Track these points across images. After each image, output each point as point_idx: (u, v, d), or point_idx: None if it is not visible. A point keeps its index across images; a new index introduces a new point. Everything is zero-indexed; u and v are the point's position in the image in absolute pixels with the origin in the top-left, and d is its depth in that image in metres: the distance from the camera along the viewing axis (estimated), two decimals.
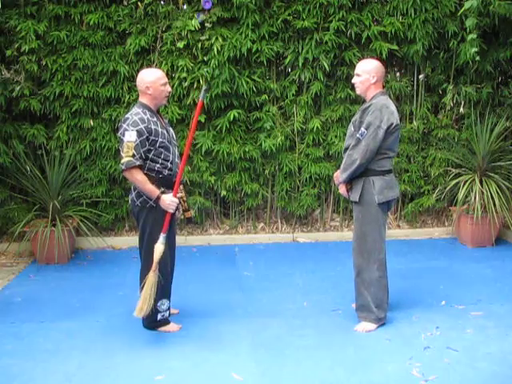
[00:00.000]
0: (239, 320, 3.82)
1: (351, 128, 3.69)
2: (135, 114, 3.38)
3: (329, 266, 4.98)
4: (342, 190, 3.74)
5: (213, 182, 5.58)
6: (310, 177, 5.72)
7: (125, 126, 3.35)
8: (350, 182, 3.65)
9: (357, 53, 5.47)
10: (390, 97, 3.80)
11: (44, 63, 5.30)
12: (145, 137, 3.34)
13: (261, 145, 5.56)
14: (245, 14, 5.29)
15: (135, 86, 5.34)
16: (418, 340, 3.50)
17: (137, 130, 3.31)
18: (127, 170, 3.33)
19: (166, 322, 3.64)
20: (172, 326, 3.66)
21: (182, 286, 4.32)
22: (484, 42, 5.45)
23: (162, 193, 3.41)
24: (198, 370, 3.16)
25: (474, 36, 5.07)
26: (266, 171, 5.73)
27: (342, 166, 3.62)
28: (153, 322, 3.59)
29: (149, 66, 5.43)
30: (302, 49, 5.45)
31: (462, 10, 5.11)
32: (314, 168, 5.65)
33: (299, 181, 5.81)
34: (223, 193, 5.67)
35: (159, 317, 3.59)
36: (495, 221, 5.37)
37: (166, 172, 3.47)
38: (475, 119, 5.71)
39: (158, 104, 3.50)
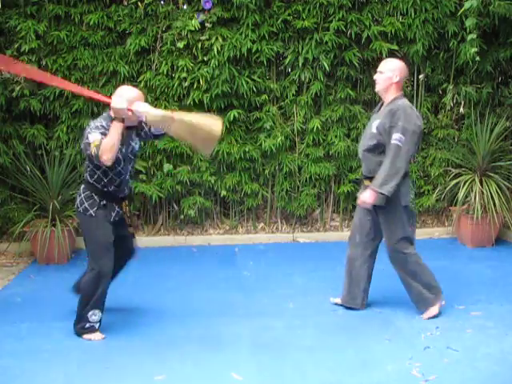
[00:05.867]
0: (239, 320, 3.82)
1: (373, 130, 3.65)
2: (98, 121, 3.38)
3: (329, 265, 4.96)
4: (372, 200, 3.59)
5: (213, 182, 5.58)
6: (310, 177, 5.71)
7: (88, 129, 3.35)
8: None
9: (357, 53, 5.47)
10: None
11: (44, 63, 5.30)
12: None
13: (261, 145, 5.56)
14: (245, 13, 5.29)
15: (135, 86, 5.40)
16: (418, 340, 3.50)
17: (100, 133, 3.29)
18: (100, 154, 3.24)
19: (92, 329, 3.55)
20: (96, 335, 3.54)
21: (182, 286, 4.33)
22: (484, 42, 5.44)
23: (104, 206, 3.47)
24: (197, 369, 3.16)
25: (474, 36, 5.08)
26: (266, 171, 5.73)
27: (382, 176, 3.51)
28: (80, 328, 3.55)
29: (149, 66, 5.45)
30: (302, 49, 5.45)
31: (462, 10, 5.12)
32: (314, 168, 5.65)
33: (299, 181, 5.81)
34: (223, 193, 5.67)
35: (87, 325, 3.53)
36: (495, 221, 5.36)
37: (111, 188, 3.48)
38: (475, 119, 5.71)
39: (128, 123, 3.42)
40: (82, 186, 3.55)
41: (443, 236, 5.96)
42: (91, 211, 3.47)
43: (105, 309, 3.58)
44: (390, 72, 3.64)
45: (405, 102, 3.66)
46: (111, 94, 5.27)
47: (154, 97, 5.42)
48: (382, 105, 3.80)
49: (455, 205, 5.63)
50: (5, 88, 5.17)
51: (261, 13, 5.37)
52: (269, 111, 5.57)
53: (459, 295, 4.19)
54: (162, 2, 5.37)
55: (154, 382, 3.03)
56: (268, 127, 5.56)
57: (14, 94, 5.20)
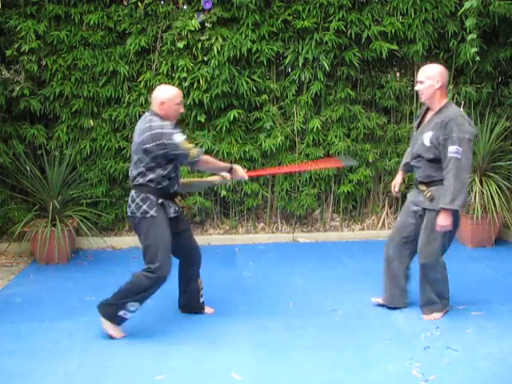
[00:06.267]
0: (239, 320, 3.82)
1: (426, 143, 3.58)
2: (166, 123, 3.41)
3: (329, 265, 4.98)
4: (449, 222, 3.53)
5: None
6: (310, 177, 5.72)
7: (166, 130, 3.36)
8: (430, 189, 3.64)
9: (357, 53, 5.47)
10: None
11: (44, 63, 5.30)
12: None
13: (261, 145, 5.56)
14: (245, 13, 5.29)
15: (135, 85, 5.43)
16: (418, 340, 3.50)
17: (180, 132, 3.41)
18: (202, 159, 3.48)
19: (120, 321, 3.49)
20: (118, 332, 3.52)
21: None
22: (484, 42, 5.44)
23: (161, 204, 3.47)
24: (197, 369, 3.17)
25: (474, 36, 5.07)
26: None
27: (451, 193, 3.45)
28: (110, 313, 3.47)
29: (149, 66, 5.44)
30: (302, 49, 5.45)
31: (462, 10, 5.11)
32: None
33: (299, 181, 5.81)
34: (223, 193, 5.66)
35: (121, 313, 3.46)
36: (495, 221, 5.37)
37: (166, 183, 3.49)
38: (475, 119, 5.70)
39: (167, 120, 3.48)
40: (133, 192, 3.49)
41: None
42: (151, 212, 3.44)
43: None
44: (429, 80, 3.55)
45: (454, 110, 3.59)
46: (111, 94, 5.34)
47: None
48: (427, 110, 3.74)
49: None
50: (5, 88, 5.17)
51: (261, 13, 5.37)
52: (269, 111, 5.57)
53: (459, 295, 4.18)
54: (162, 2, 5.37)
55: (154, 382, 3.04)
56: (268, 127, 5.56)
57: (14, 94, 5.19)
